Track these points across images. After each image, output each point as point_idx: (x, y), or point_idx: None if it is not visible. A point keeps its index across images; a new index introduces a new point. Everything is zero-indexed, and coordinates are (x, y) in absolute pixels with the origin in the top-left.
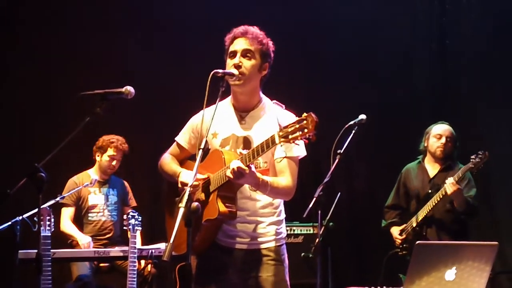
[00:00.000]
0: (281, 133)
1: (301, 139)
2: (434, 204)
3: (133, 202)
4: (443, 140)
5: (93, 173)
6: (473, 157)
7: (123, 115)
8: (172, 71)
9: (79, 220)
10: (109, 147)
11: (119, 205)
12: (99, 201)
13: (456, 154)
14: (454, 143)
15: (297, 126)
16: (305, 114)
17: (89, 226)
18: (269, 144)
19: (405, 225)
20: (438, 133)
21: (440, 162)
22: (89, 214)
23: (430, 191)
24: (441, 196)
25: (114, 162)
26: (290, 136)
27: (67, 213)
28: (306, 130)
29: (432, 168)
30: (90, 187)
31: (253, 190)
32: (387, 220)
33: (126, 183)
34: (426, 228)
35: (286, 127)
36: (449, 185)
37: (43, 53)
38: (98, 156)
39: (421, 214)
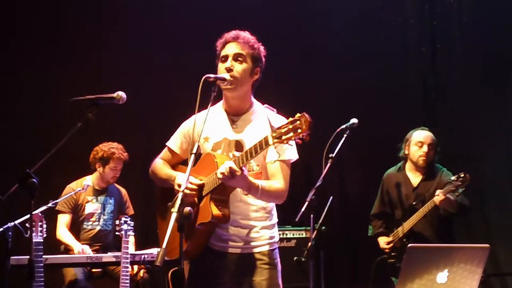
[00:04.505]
0: (274, 134)
1: (294, 139)
2: (421, 216)
3: (130, 211)
4: (425, 148)
5: (89, 180)
6: (454, 178)
7: (115, 120)
8: (164, 75)
9: (76, 226)
10: (111, 158)
11: (115, 214)
12: (96, 209)
13: (437, 158)
14: (435, 149)
15: (291, 126)
16: (298, 114)
17: (84, 234)
18: (263, 145)
19: (392, 235)
20: (419, 141)
21: (422, 171)
22: (85, 222)
23: (414, 202)
24: (428, 209)
25: (117, 174)
26: (283, 137)
27: (63, 220)
28: (299, 130)
29: (414, 177)
30: (82, 192)
31: (245, 194)
32: (373, 229)
33: (124, 191)
34: (412, 240)
35: (279, 128)
36: (437, 200)
37: (35, 59)
38: (99, 167)
39: (407, 225)
